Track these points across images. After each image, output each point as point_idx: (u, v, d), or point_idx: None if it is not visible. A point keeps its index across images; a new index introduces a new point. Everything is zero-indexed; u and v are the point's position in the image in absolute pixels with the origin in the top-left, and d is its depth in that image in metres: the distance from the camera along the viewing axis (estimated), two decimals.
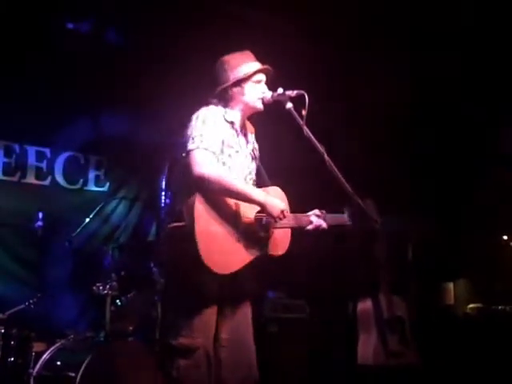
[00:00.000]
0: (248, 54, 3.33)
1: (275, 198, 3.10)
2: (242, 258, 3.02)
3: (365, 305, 4.29)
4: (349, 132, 6.02)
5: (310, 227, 3.24)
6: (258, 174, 3.39)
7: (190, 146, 3.00)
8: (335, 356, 4.92)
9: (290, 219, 3.22)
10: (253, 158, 3.35)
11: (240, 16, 5.05)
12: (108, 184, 6.07)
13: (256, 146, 3.45)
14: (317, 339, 5.25)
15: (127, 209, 6.07)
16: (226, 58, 3.29)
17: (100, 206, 5.48)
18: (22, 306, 4.39)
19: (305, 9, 4.88)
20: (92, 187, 6.00)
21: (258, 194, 3.06)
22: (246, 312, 3.25)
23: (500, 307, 5.50)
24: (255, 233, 3.08)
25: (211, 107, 3.20)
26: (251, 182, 3.33)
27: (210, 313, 3.07)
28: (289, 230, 3.23)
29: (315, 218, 3.26)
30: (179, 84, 5.45)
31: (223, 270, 2.94)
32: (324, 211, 3.31)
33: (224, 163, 3.13)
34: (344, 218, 3.38)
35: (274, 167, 3.54)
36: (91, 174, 5.98)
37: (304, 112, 3.09)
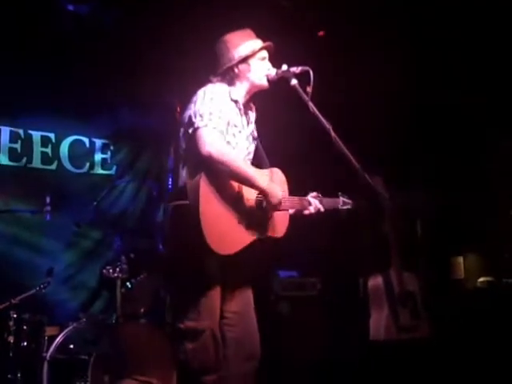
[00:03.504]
0: (249, 32, 3.33)
1: (276, 187, 3.10)
2: (243, 239, 3.03)
3: (375, 281, 4.29)
4: (355, 108, 5.96)
5: (309, 210, 3.26)
6: (256, 154, 3.37)
7: (199, 123, 2.97)
8: (347, 332, 4.93)
9: (290, 202, 3.24)
10: (253, 139, 3.34)
11: None
12: (115, 167, 6.06)
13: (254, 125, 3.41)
14: (328, 316, 5.26)
15: (135, 191, 6.04)
16: (227, 36, 3.28)
17: (107, 188, 5.50)
18: (33, 291, 4.39)
19: None
20: (99, 171, 5.98)
21: (262, 180, 3.06)
22: (247, 292, 3.27)
23: (511, 280, 5.48)
24: (256, 214, 3.09)
25: (218, 85, 3.19)
26: (249, 162, 3.30)
27: (215, 294, 3.09)
28: (287, 213, 3.24)
29: (314, 201, 3.28)
30: (180, 65, 5.42)
31: (225, 251, 2.94)
32: (320, 195, 3.34)
33: (229, 142, 3.12)
34: (338, 201, 3.45)
35: (274, 147, 3.54)
36: (97, 158, 5.96)
37: (309, 88, 3.08)
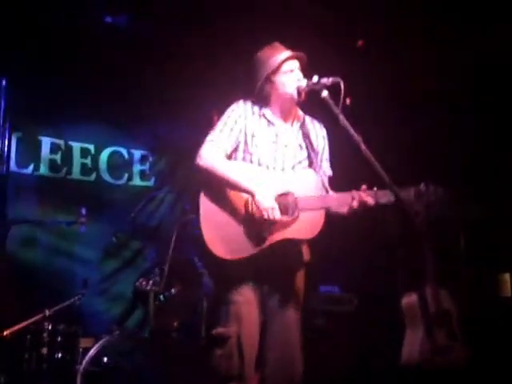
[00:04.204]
0: (276, 47, 3.32)
1: (267, 195, 3.04)
2: (257, 244, 3.04)
3: (410, 299, 4.12)
4: (397, 118, 5.83)
5: (351, 205, 3.09)
6: (314, 162, 3.31)
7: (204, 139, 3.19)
8: (381, 351, 4.78)
9: (322, 201, 3.14)
10: (301, 147, 3.31)
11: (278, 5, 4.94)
12: (153, 178, 6.08)
13: (315, 133, 3.37)
14: (363, 333, 5.14)
15: (173, 203, 6.03)
16: (257, 54, 3.32)
17: (145, 200, 5.51)
18: (68, 303, 4.40)
19: None
20: (137, 182, 6.02)
21: (248, 184, 3.08)
22: (292, 307, 3.21)
23: None
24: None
25: (240, 102, 3.29)
26: (303, 170, 3.28)
27: (243, 302, 3.10)
28: (320, 212, 3.11)
29: (359, 194, 3.09)
30: (218, 76, 5.43)
31: (232, 256, 3.03)
32: (375, 188, 3.10)
33: (251, 153, 3.20)
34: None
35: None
36: (136, 169, 6.00)
37: (347, 100, 3.04)
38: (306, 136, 3.33)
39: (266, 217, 3.01)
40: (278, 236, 3.04)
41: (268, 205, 3.02)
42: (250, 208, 3.07)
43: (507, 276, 5.85)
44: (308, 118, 3.39)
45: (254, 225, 3.04)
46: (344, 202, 3.12)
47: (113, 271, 5.66)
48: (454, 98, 5.66)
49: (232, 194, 3.11)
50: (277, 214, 3.02)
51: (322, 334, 5.11)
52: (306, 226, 3.08)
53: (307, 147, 3.31)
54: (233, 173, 3.10)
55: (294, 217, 3.06)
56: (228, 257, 3.02)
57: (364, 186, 3.15)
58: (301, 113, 3.38)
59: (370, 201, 3.09)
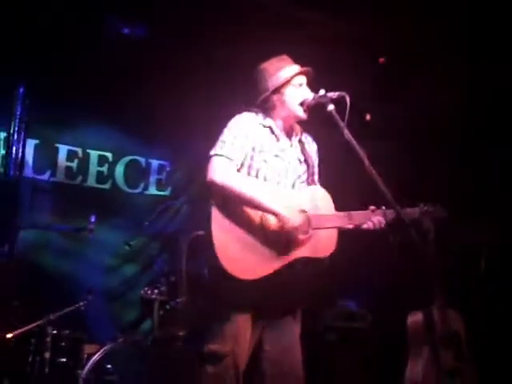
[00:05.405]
0: (285, 59, 3.31)
1: (293, 215, 3.00)
2: (271, 264, 2.96)
3: (415, 317, 4.02)
4: (414, 140, 5.74)
5: (367, 225, 3.15)
6: (310, 176, 3.31)
7: (211, 152, 3.05)
8: (388, 369, 4.67)
9: (337, 219, 3.13)
10: (301, 162, 3.28)
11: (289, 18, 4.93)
12: (170, 188, 6.08)
13: (309, 147, 3.37)
14: (373, 350, 5.05)
15: (189, 213, 6.01)
16: (264, 65, 3.29)
17: (160, 209, 5.49)
18: (71, 308, 4.39)
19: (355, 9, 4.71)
20: (153, 191, 6.02)
21: (272, 203, 2.99)
22: (292, 322, 3.20)
23: None
24: (284, 238, 2.99)
25: (244, 114, 3.21)
26: (303, 185, 3.27)
27: (242, 320, 3.04)
28: (334, 230, 3.11)
29: (373, 215, 3.16)
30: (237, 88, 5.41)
31: (248, 276, 2.92)
32: (383, 207, 3.17)
33: (258, 169, 3.12)
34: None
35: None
36: (153, 178, 6.01)
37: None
38: (303, 150, 3.33)
39: (297, 235, 2.98)
40: (293, 255, 3.00)
41: (297, 224, 2.99)
42: (265, 227, 2.99)
43: None
44: (304, 133, 3.38)
45: (269, 244, 2.98)
46: (361, 221, 3.15)
47: (129, 277, 5.66)
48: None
49: (246, 211, 3.00)
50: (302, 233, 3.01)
51: (334, 350, 5.04)
52: (320, 245, 3.06)
53: (305, 161, 3.30)
54: (252, 190, 2.99)
55: (308, 235, 3.03)
56: (243, 276, 2.90)
57: (372, 207, 3.18)
58: (298, 127, 3.36)
59: (383, 221, 3.15)
